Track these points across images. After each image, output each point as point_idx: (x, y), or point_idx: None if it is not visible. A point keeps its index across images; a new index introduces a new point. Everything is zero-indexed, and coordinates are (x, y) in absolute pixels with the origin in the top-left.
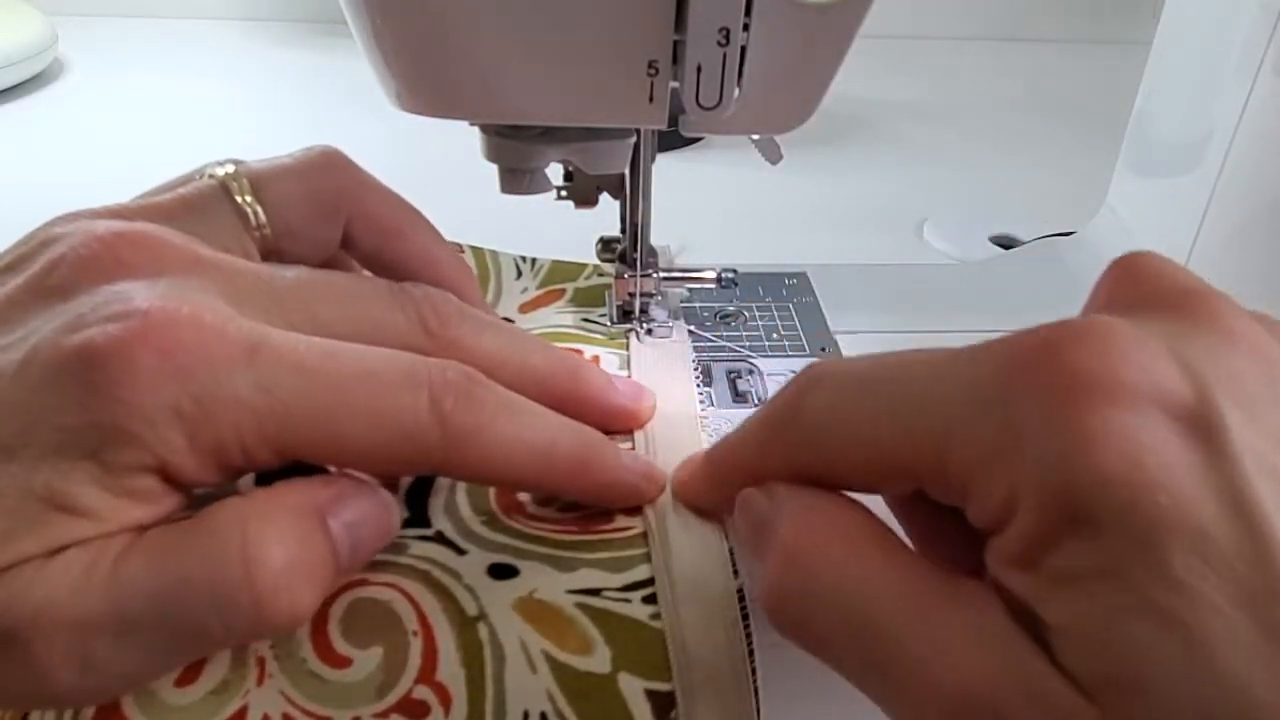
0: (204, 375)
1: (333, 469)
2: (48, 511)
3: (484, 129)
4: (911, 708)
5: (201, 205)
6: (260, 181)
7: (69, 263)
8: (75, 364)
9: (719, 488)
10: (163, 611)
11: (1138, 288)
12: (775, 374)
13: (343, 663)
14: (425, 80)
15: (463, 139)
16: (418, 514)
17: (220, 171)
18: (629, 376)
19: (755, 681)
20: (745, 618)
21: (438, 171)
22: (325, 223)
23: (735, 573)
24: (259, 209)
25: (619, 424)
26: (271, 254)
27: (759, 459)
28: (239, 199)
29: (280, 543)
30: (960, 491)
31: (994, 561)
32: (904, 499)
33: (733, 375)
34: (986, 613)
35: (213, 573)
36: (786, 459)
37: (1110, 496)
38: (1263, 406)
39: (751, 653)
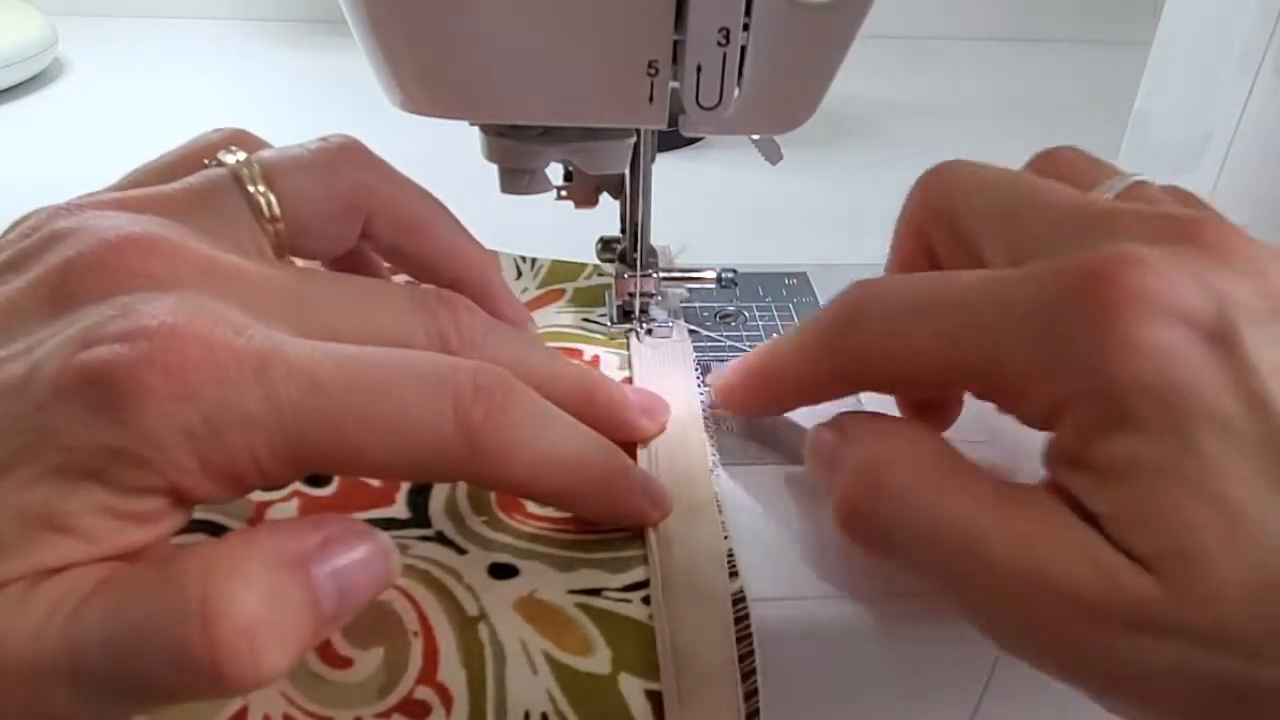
0: (212, 394)
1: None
2: (40, 532)
3: (484, 129)
4: (991, 596)
5: (212, 196)
6: (274, 172)
7: (77, 270)
8: (83, 384)
9: (768, 398)
10: (116, 665)
11: (1155, 219)
12: None
13: (344, 663)
14: (425, 80)
15: (463, 139)
16: (418, 514)
17: (230, 159)
18: (631, 380)
19: (755, 682)
20: (745, 619)
21: (438, 171)
22: (344, 220)
23: (734, 574)
24: (273, 199)
25: (622, 441)
26: (286, 249)
27: (812, 375)
28: (251, 188)
29: (247, 598)
30: (1012, 398)
31: (1048, 461)
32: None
33: None
34: (1054, 509)
35: (169, 628)
36: (839, 375)
37: (1148, 399)
38: (1268, 322)
39: (751, 653)
